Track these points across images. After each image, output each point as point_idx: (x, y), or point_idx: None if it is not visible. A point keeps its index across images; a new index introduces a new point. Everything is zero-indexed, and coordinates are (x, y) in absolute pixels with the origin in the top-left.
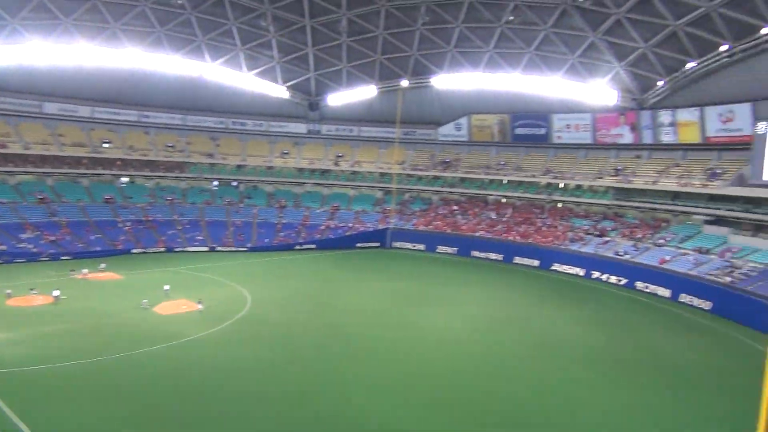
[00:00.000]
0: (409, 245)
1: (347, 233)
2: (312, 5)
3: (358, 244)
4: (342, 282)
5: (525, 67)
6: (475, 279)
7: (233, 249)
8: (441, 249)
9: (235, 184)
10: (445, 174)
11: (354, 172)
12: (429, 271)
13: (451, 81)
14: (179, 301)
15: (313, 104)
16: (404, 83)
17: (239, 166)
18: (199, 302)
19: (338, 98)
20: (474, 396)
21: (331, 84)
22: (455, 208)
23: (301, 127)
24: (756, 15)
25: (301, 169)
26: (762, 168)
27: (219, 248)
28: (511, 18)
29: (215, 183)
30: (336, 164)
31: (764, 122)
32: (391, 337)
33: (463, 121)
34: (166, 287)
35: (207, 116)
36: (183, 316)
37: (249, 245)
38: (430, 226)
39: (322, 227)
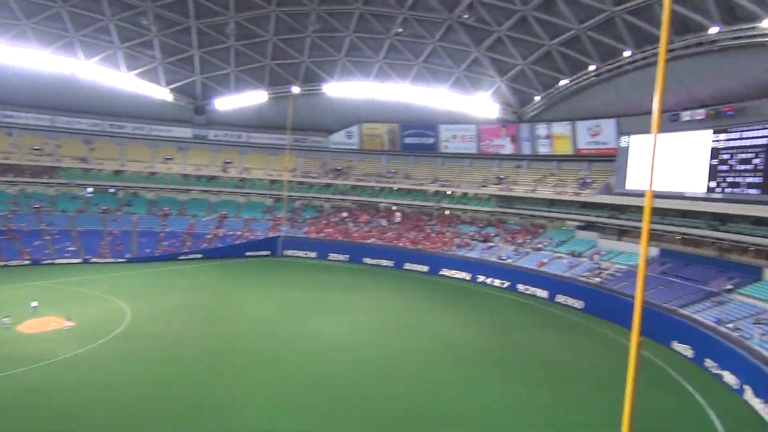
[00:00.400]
0: (300, 253)
1: (236, 242)
2: (198, 6)
3: (248, 253)
4: (232, 292)
5: (414, 79)
6: (368, 285)
7: (110, 260)
8: (333, 256)
9: (112, 190)
10: (336, 181)
11: (243, 179)
12: (321, 279)
13: (343, 89)
14: (47, 318)
15: (199, 108)
16: (295, 90)
17: (117, 172)
18: (69, 319)
19: (226, 103)
20: (370, 402)
21: (219, 88)
22: (346, 215)
23: (186, 132)
24: (619, 39)
25: (186, 176)
26: (625, 178)
27: (94, 259)
28: (400, 30)
29: (89, 190)
30: (224, 171)
31: (626, 136)
32: (283, 348)
33: (355, 129)
34: (34, 304)
35: (80, 117)
36: (51, 334)
37: (128, 256)
38: (322, 234)
39: (210, 236)
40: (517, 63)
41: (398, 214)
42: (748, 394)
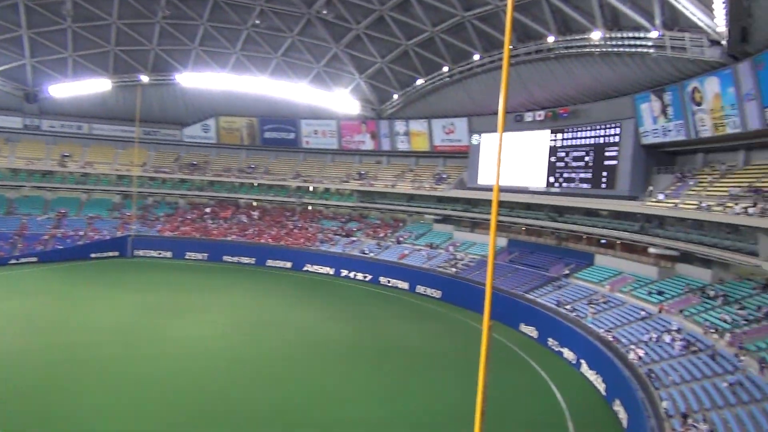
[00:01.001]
0: (154, 253)
1: (79, 243)
2: None
3: (93, 255)
4: (76, 298)
5: (273, 72)
6: (229, 284)
7: None
8: (190, 255)
9: None
10: (192, 177)
11: (85, 174)
12: (178, 280)
13: (198, 80)
14: None
15: (30, 95)
16: (144, 79)
17: None
18: None
19: (63, 90)
20: (239, 405)
21: (54, 74)
22: (206, 212)
23: (15, 121)
24: (469, 43)
25: (15, 170)
26: (477, 173)
27: None
28: (257, 22)
29: None
30: (62, 165)
31: (477, 134)
32: (138, 356)
33: (211, 122)
34: None
35: None
36: None
37: None
38: (178, 232)
39: (46, 237)
40: (375, 61)
41: (260, 210)
42: (584, 368)
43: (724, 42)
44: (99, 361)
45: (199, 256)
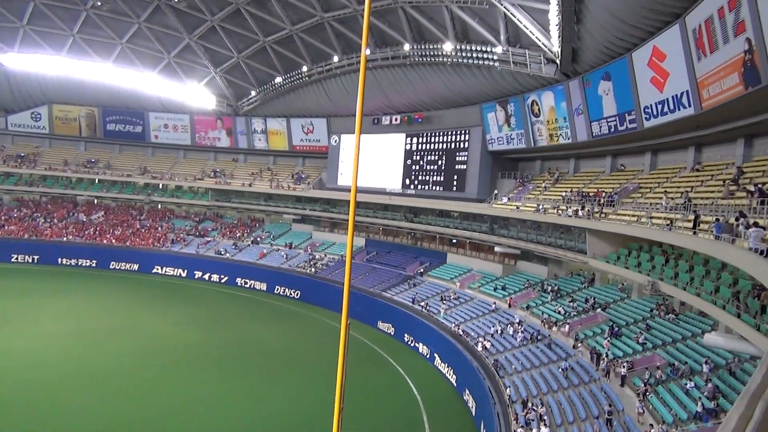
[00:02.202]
0: None
1: None
2: None
3: None
4: None
5: (117, 59)
6: (65, 289)
7: None
8: (18, 258)
9: None
10: (20, 170)
11: None
12: (4, 285)
13: (27, 62)
14: None
15: None
16: None
17: None
18: None
19: None
20: (80, 425)
21: None
22: (33, 210)
23: None
24: (329, 44)
25: None
26: (336, 174)
27: None
28: (99, 4)
29: None
30: None
31: (336, 135)
32: None
33: (43, 110)
34: None
35: None
36: None
37: None
38: (1, 231)
39: None
40: (232, 55)
41: (101, 209)
42: (437, 361)
43: (558, 61)
44: None
45: (30, 258)
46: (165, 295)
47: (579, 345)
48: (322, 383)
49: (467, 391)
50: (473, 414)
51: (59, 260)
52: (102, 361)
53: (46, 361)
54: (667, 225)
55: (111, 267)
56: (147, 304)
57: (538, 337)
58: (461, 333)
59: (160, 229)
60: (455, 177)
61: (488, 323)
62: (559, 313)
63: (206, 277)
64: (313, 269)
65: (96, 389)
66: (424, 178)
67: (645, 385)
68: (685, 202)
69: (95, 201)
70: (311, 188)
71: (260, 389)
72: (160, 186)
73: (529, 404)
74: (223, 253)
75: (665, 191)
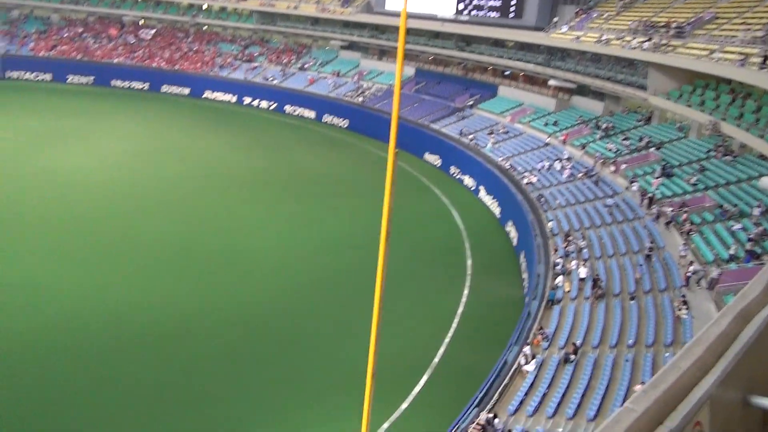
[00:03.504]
0: (29, 75)
1: None
2: None
3: None
4: None
5: None
6: (121, 110)
7: None
8: (73, 79)
9: None
10: None
11: None
12: (61, 105)
13: None
14: None
15: None
16: None
17: None
18: None
19: None
20: (139, 240)
21: None
22: (81, 30)
23: None
24: None
25: None
26: None
27: None
28: None
29: None
30: None
31: None
32: (24, 186)
33: None
34: None
35: None
36: None
37: None
38: (55, 52)
39: None
40: None
41: (149, 30)
42: (482, 193)
43: None
44: None
45: (84, 79)
46: (216, 120)
47: (628, 184)
48: (370, 209)
49: (510, 223)
50: (514, 245)
51: (112, 82)
52: (158, 181)
53: (106, 178)
54: (741, 61)
55: (163, 91)
56: (200, 129)
57: (587, 174)
58: (508, 167)
59: (207, 53)
60: (513, 1)
61: (536, 158)
62: (611, 150)
63: (255, 103)
64: (360, 98)
65: (155, 207)
66: (478, 2)
67: (690, 225)
68: (764, 35)
69: (141, 21)
70: (359, 12)
71: (312, 212)
72: (204, 7)
73: (570, 237)
74: (270, 79)
75: (744, 22)
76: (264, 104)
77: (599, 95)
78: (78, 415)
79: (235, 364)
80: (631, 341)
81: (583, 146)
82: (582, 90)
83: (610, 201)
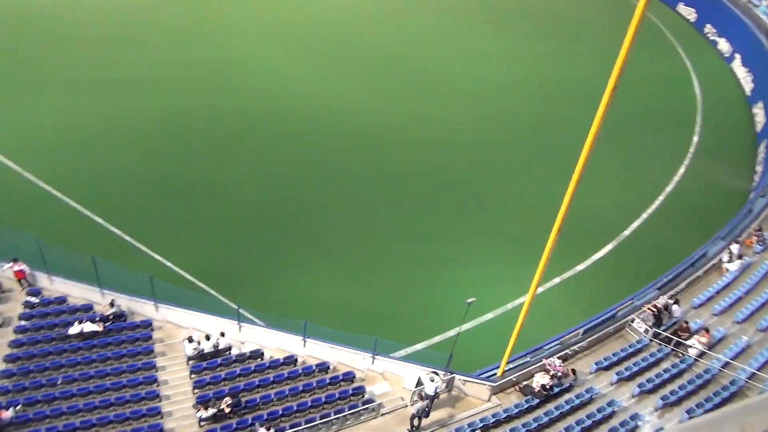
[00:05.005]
0: None
1: None
2: None
3: None
4: None
5: None
6: None
7: None
8: None
9: None
10: None
11: None
12: None
13: None
14: None
15: None
16: None
17: None
18: None
19: None
20: (357, 48)
21: None
22: None
23: None
24: None
25: None
26: None
27: None
28: None
29: None
30: None
31: None
32: None
33: None
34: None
35: None
36: None
37: None
38: None
39: None
40: None
41: None
42: (736, 63)
43: None
44: None
45: None
46: None
47: None
48: (598, 59)
49: (760, 105)
50: (757, 131)
51: None
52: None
53: None
54: None
55: None
56: None
57: None
58: None
59: None
60: None
61: None
62: None
63: None
64: None
65: (370, 22)
66: None
67: None
68: None
69: None
70: None
71: (533, 50)
72: None
73: None
74: None
75: None
76: None
77: None
78: (290, 188)
79: (427, 182)
80: None
81: None
82: None
83: None
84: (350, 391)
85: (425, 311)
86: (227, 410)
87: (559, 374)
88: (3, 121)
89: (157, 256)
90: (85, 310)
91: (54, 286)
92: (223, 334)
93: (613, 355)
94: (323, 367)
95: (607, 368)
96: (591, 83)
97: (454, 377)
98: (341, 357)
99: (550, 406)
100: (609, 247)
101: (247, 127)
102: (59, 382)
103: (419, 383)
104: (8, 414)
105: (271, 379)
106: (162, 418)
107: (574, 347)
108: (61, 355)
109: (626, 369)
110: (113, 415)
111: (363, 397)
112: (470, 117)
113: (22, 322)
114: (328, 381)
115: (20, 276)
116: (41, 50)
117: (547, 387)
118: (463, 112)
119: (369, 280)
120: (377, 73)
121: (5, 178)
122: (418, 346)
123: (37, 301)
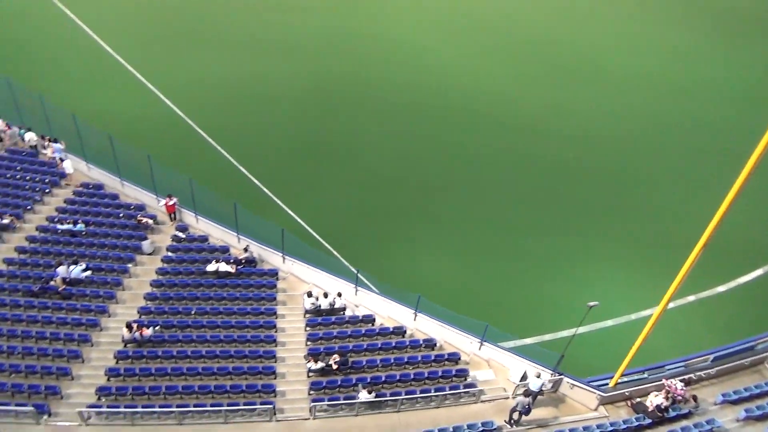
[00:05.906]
0: None
1: None
2: None
3: None
4: None
5: None
6: None
7: None
8: None
9: None
10: None
11: None
12: None
13: None
14: None
15: None
16: None
17: None
18: None
19: None
20: (508, 28)
21: None
22: None
23: None
24: None
25: None
26: None
27: None
28: None
29: None
30: None
31: None
32: None
33: None
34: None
35: None
36: None
37: None
38: None
39: None
40: None
41: None
42: None
43: None
44: None
45: None
46: None
47: None
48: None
49: None
50: None
51: None
52: None
53: None
54: None
55: None
56: None
57: None
58: None
59: None
60: None
61: None
62: None
63: None
64: None
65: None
66: None
67: None
68: None
69: None
70: None
71: (710, 48)
72: None
73: None
74: None
75: None
76: None
77: None
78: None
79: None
80: None
81: None
82: None
83: None
84: (453, 372)
85: (540, 306)
86: (335, 366)
87: (679, 398)
88: (176, 73)
89: (290, 212)
90: (223, 251)
91: (199, 224)
92: (340, 295)
93: (745, 389)
94: (430, 343)
95: (736, 402)
96: (761, 86)
97: (562, 379)
98: (449, 337)
99: (664, 430)
100: (758, 272)
101: (389, 99)
102: (193, 312)
103: (524, 377)
104: (149, 332)
105: (379, 345)
106: (276, 361)
107: (700, 373)
108: (197, 288)
109: (758, 407)
110: (234, 350)
111: (465, 380)
112: (619, 111)
113: (169, 253)
114: (433, 358)
115: (171, 210)
116: (220, 13)
117: (662, 408)
118: (610, 105)
119: (486, 265)
120: (526, 59)
121: (170, 122)
122: (528, 341)
123: (184, 236)
